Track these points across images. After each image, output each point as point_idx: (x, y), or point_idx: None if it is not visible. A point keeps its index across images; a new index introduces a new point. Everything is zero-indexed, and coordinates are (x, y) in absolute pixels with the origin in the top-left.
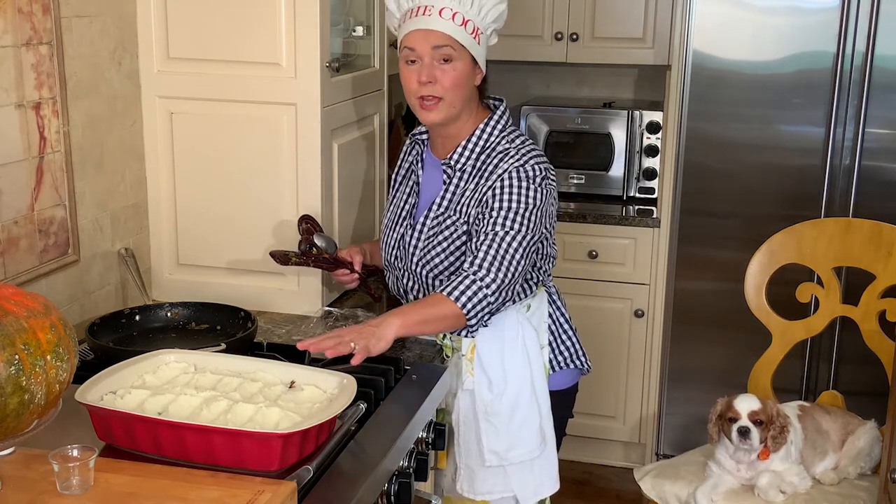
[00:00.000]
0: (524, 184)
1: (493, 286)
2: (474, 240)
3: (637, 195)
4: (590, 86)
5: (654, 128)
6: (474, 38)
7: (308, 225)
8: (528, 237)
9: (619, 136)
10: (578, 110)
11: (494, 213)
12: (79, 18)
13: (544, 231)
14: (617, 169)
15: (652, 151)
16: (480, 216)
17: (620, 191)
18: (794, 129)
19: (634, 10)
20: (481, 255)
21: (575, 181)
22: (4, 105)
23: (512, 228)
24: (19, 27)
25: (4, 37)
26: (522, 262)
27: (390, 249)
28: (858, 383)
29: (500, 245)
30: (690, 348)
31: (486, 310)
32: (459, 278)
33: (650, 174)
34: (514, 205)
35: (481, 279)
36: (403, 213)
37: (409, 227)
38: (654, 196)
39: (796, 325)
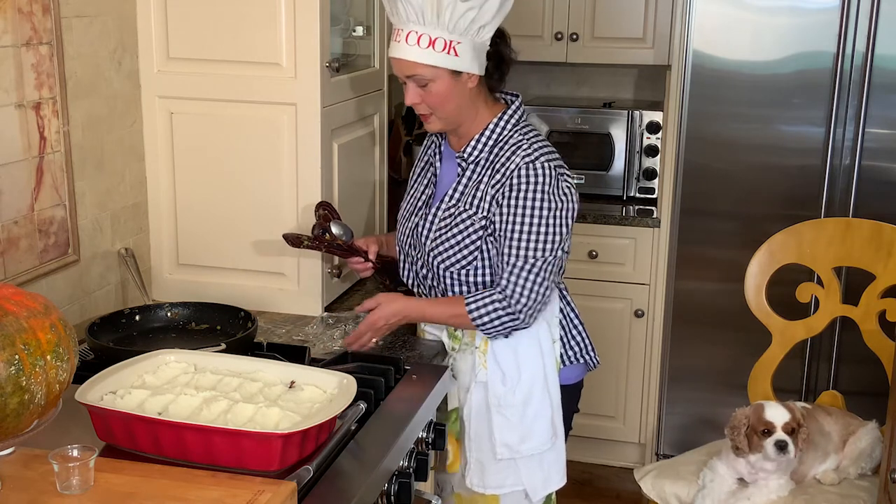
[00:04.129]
0: (537, 189)
1: (521, 312)
2: (503, 259)
3: (637, 195)
4: (590, 86)
5: (654, 128)
6: (446, 52)
7: (325, 211)
8: (554, 248)
9: (619, 136)
10: (578, 110)
11: (516, 229)
12: (79, 18)
13: (564, 231)
14: (617, 169)
15: (652, 151)
16: (500, 224)
17: (620, 191)
18: (794, 129)
19: (634, 10)
20: (514, 279)
21: (575, 181)
22: (4, 105)
23: (537, 250)
24: (19, 27)
25: (4, 37)
26: (550, 280)
27: (405, 238)
28: (858, 383)
29: (531, 270)
30: (690, 348)
31: (506, 328)
32: (489, 294)
33: (650, 174)
34: (536, 208)
35: (511, 308)
36: (420, 204)
37: (423, 217)
38: (654, 196)
39: (796, 325)
